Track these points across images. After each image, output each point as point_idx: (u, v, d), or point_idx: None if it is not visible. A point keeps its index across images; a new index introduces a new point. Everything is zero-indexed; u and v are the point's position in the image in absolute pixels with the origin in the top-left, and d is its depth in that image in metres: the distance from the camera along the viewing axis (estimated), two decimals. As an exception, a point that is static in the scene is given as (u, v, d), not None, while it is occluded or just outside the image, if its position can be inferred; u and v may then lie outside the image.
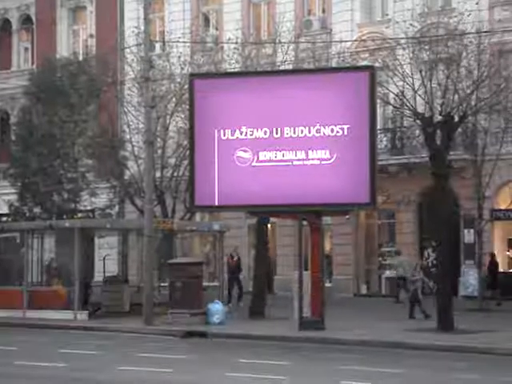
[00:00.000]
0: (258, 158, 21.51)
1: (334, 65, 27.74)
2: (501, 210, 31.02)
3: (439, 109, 22.79)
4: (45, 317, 25.35)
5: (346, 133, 21.06)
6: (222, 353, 18.64)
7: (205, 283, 25.98)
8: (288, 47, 29.65)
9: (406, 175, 31.69)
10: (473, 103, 23.31)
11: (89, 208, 33.42)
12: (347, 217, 30.01)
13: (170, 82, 30.67)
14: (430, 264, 31.35)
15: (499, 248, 31.45)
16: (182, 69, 30.29)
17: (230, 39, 31.14)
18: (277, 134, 21.48)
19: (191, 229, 30.16)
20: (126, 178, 32.17)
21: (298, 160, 21.30)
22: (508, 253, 31.88)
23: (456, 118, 22.77)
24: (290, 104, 21.46)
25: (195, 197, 22.15)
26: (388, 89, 24.67)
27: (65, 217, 31.76)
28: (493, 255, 29.97)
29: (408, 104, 23.14)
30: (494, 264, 29.71)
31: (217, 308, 24.05)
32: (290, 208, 21.84)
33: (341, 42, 29.54)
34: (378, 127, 26.03)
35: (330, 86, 21.37)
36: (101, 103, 32.56)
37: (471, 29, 25.92)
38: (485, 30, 27.04)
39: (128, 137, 31.68)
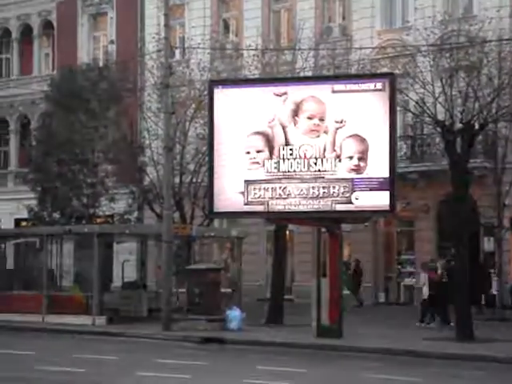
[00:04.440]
0: (277, 165, 21.49)
1: (353, 72, 27.67)
2: (521, 218, 30.79)
3: (459, 116, 22.70)
4: (63, 322, 25.42)
5: (365, 140, 21.02)
6: (239, 359, 18.61)
7: (222, 289, 25.95)
8: (308, 54, 29.62)
9: (426, 183, 31.56)
10: (493, 111, 23.18)
11: (108, 213, 33.49)
12: (366, 224, 29.90)
13: (189, 89, 30.72)
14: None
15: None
16: (202, 75, 30.33)
17: (249, 46, 31.15)
18: (296, 140, 21.46)
19: (210, 235, 30.17)
20: (145, 183, 32.23)
21: (317, 167, 21.26)
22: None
23: (476, 126, 22.67)
24: (309, 110, 21.44)
25: (214, 203, 22.16)
26: (408, 96, 24.58)
27: (84, 222, 31.85)
28: None
29: (428, 111, 23.06)
30: None
31: (235, 314, 24.03)
32: (308, 215, 21.79)
33: (361, 48, 29.46)
34: (398, 134, 25.92)
35: (350, 93, 21.33)
36: (120, 109, 32.65)
37: (492, 36, 25.80)
38: (506, 37, 26.90)
39: (147, 142, 31.75)
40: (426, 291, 25.70)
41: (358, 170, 21.04)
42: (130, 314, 26.96)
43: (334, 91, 21.42)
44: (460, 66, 24.08)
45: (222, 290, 25.74)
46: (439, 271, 25.84)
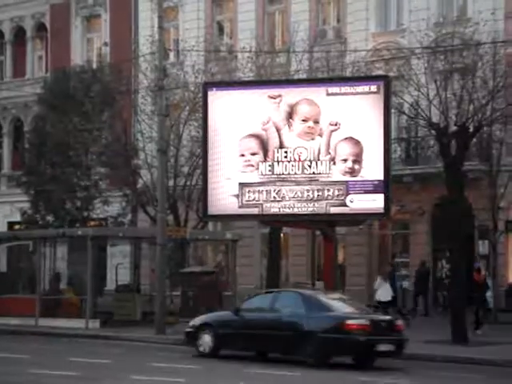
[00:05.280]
0: (272, 167, 21.44)
1: (348, 74, 27.64)
2: (515, 221, 30.75)
3: (454, 119, 22.68)
4: (57, 325, 25.32)
5: (360, 142, 21.00)
6: (232, 364, 18.51)
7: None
8: (302, 56, 29.59)
9: (421, 185, 31.50)
10: (488, 113, 23.18)
11: (101, 216, 33.39)
12: (360, 227, 29.88)
13: (183, 91, 30.67)
14: (443, 275, 31.16)
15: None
16: (196, 77, 30.29)
17: (244, 48, 31.10)
18: (290, 143, 21.43)
19: (204, 238, 30.11)
20: (138, 186, 32.14)
21: (312, 170, 21.23)
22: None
23: (471, 129, 22.65)
24: (303, 113, 21.40)
25: (208, 206, 22.10)
26: (403, 98, 24.57)
27: (77, 225, 31.74)
28: None
29: (423, 114, 23.03)
30: None
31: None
32: (303, 218, 21.74)
33: (355, 51, 29.40)
34: (393, 137, 25.88)
35: (345, 96, 21.31)
36: (114, 111, 32.57)
37: (487, 39, 25.80)
38: (500, 40, 26.90)
39: (141, 145, 31.68)
40: (379, 294, 25.75)
41: (352, 172, 21.01)
42: (124, 317, 26.85)
43: (328, 94, 21.41)
44: (454, 68, 24.09)
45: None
46: (482, 273, 25.73)
